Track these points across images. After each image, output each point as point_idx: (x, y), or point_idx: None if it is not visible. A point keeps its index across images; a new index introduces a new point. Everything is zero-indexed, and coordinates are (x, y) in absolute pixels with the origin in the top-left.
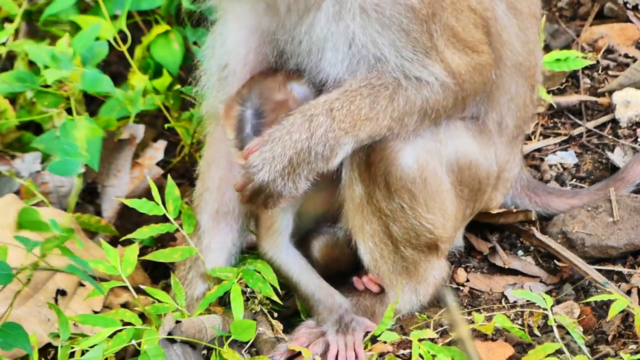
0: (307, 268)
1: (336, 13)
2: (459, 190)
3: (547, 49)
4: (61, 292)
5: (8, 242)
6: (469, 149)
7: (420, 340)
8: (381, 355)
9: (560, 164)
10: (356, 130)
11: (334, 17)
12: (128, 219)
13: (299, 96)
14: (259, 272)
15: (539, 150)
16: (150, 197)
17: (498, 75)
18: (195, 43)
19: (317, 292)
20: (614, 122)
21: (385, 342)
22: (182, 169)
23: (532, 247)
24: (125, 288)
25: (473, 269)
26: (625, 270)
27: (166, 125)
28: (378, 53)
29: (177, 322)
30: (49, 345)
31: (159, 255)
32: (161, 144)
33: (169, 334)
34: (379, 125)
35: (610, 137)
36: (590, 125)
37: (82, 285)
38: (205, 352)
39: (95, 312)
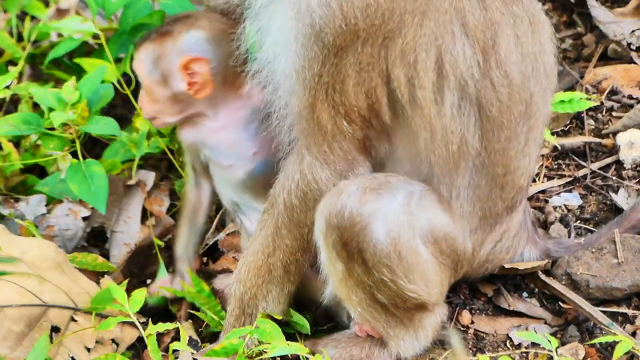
0: None
1: None
2: (441, 259)
3: None
4: (55, 329)
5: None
6: (441, 221)
7: None
8: None
9: (565, 205)
10: (265, 278)
11: None
12: (135, 261)
13: (184, 43)
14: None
15: (543, 191)
16: (160, 247)
17: (446, 157)
18: None
19: None
20: (618, 163)
21: None
22: None
23: (536, 289)
24: (129, 324)
25: (478, 311)
26: (630, 312)
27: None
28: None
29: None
30: None
31: None
32: (166, 185)
33: None
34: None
35: (614, 178)
36: (595, 166)
37: (74, 320)
38: None
39: (88, 349)
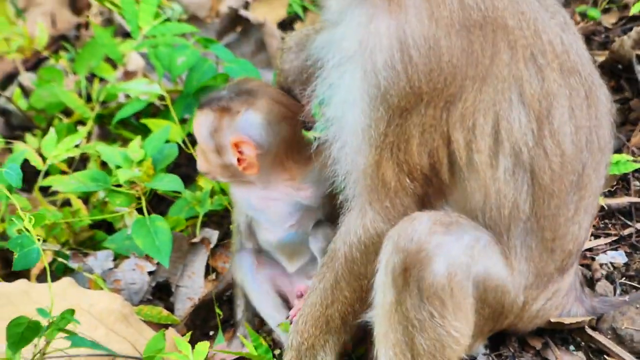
0: None
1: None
2: (479, 306)
3: None
4: None
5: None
6: (498, 273)
7: None
8: None
9: (611, 262)
10: (323, 329)
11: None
12: (198, 314)
13: (238, 122)
14: None
15: (590, 249)
16: (222, 302)
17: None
18: None
19: None
20: None
21: None
22: None
23: (582, 343)
24: None
25: None
26: None
27: (232, 226)
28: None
29: None
30: None
31: None
32: (229, 243)
33: None
34: (340, 305)
35: None
36: None
37: None
38: None
39: None
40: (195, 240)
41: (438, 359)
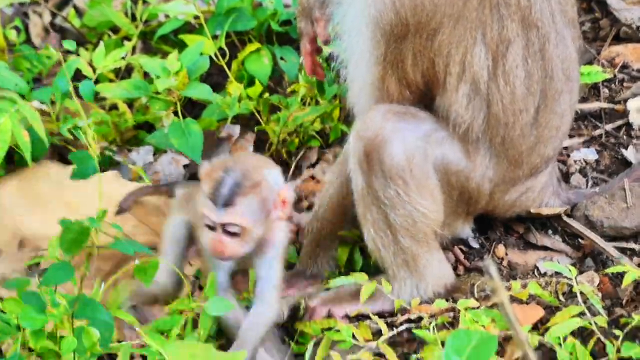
0: None
1: None
2: (446, 188)
3: None
4: None
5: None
6: (457, 160)
7: (465, 309)
8: (432, 316)
9: (583, 159)
10: (340, 218)
11: None
12: None
13: (271, 182)
14: None
15: (565, 148)
16: None
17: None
18: (282, 58)
19: None
20: (628, 125)
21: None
22: None
23: (560, 228)
24: None
25: (511, 246)
26: (637, 247)
27: (256, 128)
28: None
29: None
30: None
31: None
32: (251, 137)
33: None
34: None
35: (624, 137)
36: (608, 127)
37: None
38: None
39: None
40: (221, 135)
41: (413, 232)
